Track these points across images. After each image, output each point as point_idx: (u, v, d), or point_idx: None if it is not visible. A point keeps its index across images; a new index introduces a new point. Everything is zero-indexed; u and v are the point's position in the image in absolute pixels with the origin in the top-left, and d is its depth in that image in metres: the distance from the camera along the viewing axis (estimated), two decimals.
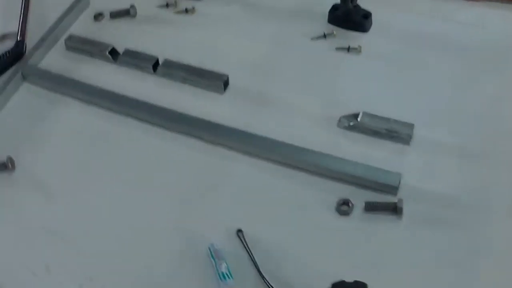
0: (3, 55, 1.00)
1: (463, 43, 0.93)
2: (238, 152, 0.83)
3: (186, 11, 1.03)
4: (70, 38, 1.01)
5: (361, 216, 0.76)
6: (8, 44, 1.02)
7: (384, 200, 0.76)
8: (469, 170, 0.78)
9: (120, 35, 1.02)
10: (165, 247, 0.75)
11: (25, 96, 0.96)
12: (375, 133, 0.82)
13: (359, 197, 0.77)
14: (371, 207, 0.75)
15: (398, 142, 0.82)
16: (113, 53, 0.98)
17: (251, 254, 0.73)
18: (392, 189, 0.76)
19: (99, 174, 0.84)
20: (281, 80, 0.92)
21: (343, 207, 0.76)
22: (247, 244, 0.74)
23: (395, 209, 0.74)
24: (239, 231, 0.75)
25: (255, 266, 0.72)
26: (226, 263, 0.72)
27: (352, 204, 0.76)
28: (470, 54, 0.92)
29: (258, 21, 1.01)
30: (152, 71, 0.95)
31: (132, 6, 1.04)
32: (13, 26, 1.04)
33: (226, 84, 0.90)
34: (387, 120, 0.82)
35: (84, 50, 0.99)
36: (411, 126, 0.81)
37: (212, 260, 0.73)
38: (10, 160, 0.85)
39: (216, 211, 0.78)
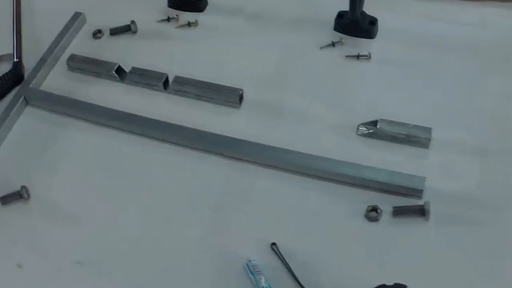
0: (2, 77, 0.96)
1: (469, 43, 0.95)
2: (262, 166, 0.83)
3: (189, 24, 1.01)
4: (72, 58, 0.97)
5: (389, 220, 0.78)
6: (4, 67, 0.99)
7: (410, 203, 0.78)
8: (489, 169, 0.81)
9: (123, 52, 0.99)
10: (199, 267, 0.75)
11: (30, 120, 0.93)
12: (394, 139, 0.84)
13: (385, 203, 0.78)
14: (399, 212, 0.77)
15: (417, 146, 0.83)
16: (120, 71, 0.95)
17: (288, 266, 0.74)
18: (417, 193, 0.78)
19: (118, 196, 0.82)
20: (294, 90, 0.92)
21: (372, 213, 0.78)
22: (283, 257, 0.75)
23: (422, 212, 0.77)
24: (273, 244, 0.76)
25: (294, 278, 0.73)
26: (264, 277, 0.73)
27: (381, 210, 0.78)
28: (478, 53, 0.93)
29: (263, 32, 1.00)
30: (162, 88, 0.93)
31: (133, 22, 1.01)
32: (6, 48, 1.01)
33: (241, 98, 0.90)
34: (406, 125, 0.84)
35: (88, 70, 0.96)
36: (429, 129, 0.83)
37: (250, 275, 0.73)
38: (25, 189, 0.83)
39: (246, 226, 0.78)
